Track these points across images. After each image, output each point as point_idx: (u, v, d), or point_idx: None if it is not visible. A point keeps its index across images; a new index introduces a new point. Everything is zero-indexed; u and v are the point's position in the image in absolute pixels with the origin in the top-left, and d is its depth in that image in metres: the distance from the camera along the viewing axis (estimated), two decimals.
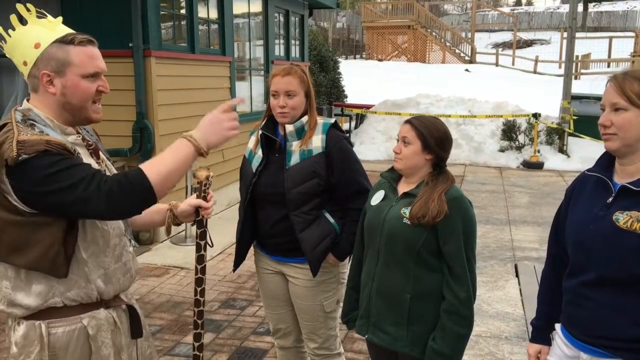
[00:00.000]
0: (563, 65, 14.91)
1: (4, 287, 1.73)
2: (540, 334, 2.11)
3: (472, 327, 2.18)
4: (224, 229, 6.70)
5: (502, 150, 11.90)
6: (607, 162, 1.86)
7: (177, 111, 6.37)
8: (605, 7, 34.49)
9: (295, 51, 10.42)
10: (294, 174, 2.58)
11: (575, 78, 17.63)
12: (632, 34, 24.54)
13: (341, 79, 15.39)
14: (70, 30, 1.77)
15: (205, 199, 2.06)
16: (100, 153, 1.96)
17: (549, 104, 13.53)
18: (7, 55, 1.77)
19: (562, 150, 11.65)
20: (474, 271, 2.17)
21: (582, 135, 11.21)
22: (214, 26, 7.46)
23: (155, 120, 5.96)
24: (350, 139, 2.77)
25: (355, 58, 28.27)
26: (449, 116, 11.77)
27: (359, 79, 18.00)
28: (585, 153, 11.39)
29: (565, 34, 15.31)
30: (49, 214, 1.66)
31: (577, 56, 18.32)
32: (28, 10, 1.73)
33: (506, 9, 39.89)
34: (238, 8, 8.05)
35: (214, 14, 7.39)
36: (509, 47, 28.08)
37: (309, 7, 10.91)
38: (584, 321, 1.83)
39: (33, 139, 1.61)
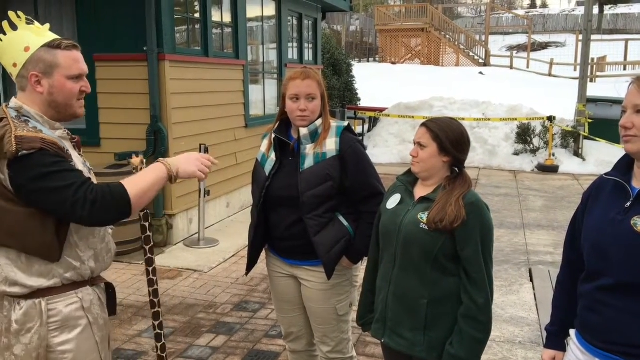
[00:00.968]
0: (578, 68, 14.78)
1: (7, 269, 1.87)
2: (555, 339, 2.08)
3: (490, 332, 2.16)
4: (236, 232, 6.74)
5: (516, 153, 11.82)
6: (625, 165, 1.83)
7: (191, 114, 6.40)
8: (621, 9, 34.16)
9: (308, 54, 10.43)
10: (308, 177, 2.57)
11: (591, 81, 17.48)
12: None
13: (354, 82, 15.37)
14: (57, 36, 1.94)
15: None
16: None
17: (564, 106, 13.43)
18: None
19: (577, 153, 11.55)
20: (491, 276, 2.15)
21: (597, 139, 11.10)
22: (228, 30, 7.49)
23: (169, 124, 5.99)
24: (363, 142, 2.77)
25: (368, 61, 28.25)
26: (463, 119, 11.70)
27: (372, 82, 17.97)
28: (600, 156, 11.29)
29: (580, 37, 15.20)
30: (37, 209, 1.81)
31: (592, 59, 18.16)
32: (18, 17, 1.91)
33: (521, 12, 39.66)
34: (251, 11, 8.08)
35: (227, 18, 7.42)
36: (524, 50, 27.92)
37: (322, 11, 10.92)
38: (600, 327, 1.80)
39: (30, 136, 1.78)
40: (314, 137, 2.61)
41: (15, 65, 1.89)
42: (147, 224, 2.30)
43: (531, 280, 5.33)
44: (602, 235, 1.78)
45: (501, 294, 4.86)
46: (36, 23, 1.94)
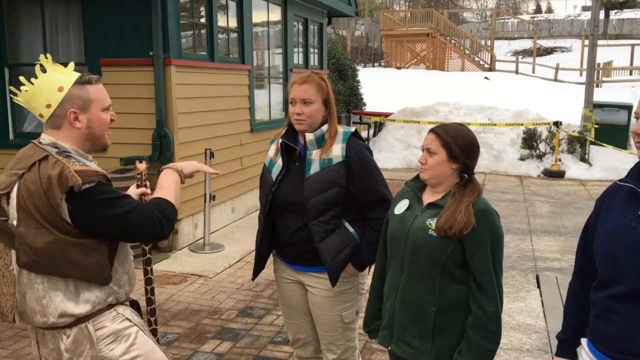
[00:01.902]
0: (584, 73, 14.71)
1: (56, 300, 1.94)
2: (566, 348, 2.05)
3: (499, 342, 2.13)
4: (242, 237, 6.72)
5: (522, 158, 11.77)
6: (639, 171, 1.80)
7: (196, 119, 6.40)
8: (627, 14, 34.10)
9: (314, 59, 10.43)
10: (313, 183, 2.56)
11: (597, 86, 17.42)
12: None
13: (360, 87, 15.37)
14: (79, 74, 2.06)
15: (145, 187, 2.38)
16: None
17: (570, 112, 13.37)
18: (23, 103, 2.01)
19: (583, 159, 11.49)
20: (501, 284, 2.12)
21: (604, 144, 11.04)
22: (234, 35, 7.50)
23: (175, 128, 5.98)
24: (369, 147, 2.75)
25: (373, 66, 28.24)
26: (469, 124, 11.65)
27: (378, 87, 17.97)
28: (607, 162, 11.23)
29: (586, 42, 15.15)
30: (101, 238, 1.94)
31: (598, 64, 18.11)
32: (46, 58, 2.02)
33: (526, 17, 39.60)
34: (257, 17, 8.09)
35: (233, 23, 7.43)
36: (529, 55, 27.84)
37: (328, 16, 10.93)
38: (612, 336, 1.77)
39: (85, 169, 1.90)
40: (320, 142, 2.60)
41: (49, 106, 1.97)
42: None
43: (538, 286, 5.29)
44: (615, 242, 1.75)
45: (508, 301, 4.82)
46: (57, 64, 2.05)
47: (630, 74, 23.40)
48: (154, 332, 2.44)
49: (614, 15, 33.24)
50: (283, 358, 3.89)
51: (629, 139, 11.77)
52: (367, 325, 2.44)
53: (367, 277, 2.79)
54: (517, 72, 24.53)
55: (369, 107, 15.44)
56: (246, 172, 7.52)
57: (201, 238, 6.36)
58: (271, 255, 2.86)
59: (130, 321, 2.08)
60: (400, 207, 2.27)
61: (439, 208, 2.14)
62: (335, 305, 2.69)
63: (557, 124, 11.28)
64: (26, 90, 1.98)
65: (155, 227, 1.97)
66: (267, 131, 7.94)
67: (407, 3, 43.66)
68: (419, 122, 12.32)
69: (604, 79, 22.08)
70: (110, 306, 2.05)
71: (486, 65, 25.87)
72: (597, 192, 9.48)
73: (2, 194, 1.93)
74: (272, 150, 2.76)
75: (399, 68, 25.58)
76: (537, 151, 11.72)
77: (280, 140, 2.69)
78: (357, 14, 13.44)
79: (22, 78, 2.11)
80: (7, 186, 1.92)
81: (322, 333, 2.77)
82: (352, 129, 2.69)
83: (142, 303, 2.28)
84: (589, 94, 11.64)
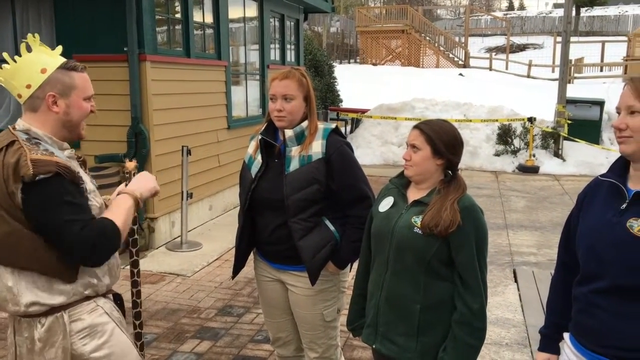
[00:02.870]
0: (556, 69, 14.94)
1: (28, 289, 1.90)
2: (549, 342, 2.06)
3: (484, 338, 2.13)
4: (220, 235, 6.66)
5: (497, 154, 11.90)
6: (621, 167, 1.81)
7: (172, 116, 6.31)
8: (597, 11, 34.71)
9: (290, 55, 10.38)
10: (293, 180, 2.53)
11: (569, 82, 17.67)
12: (625, 38, 24.69)
13: (336, 84, 15.36)
14: (65, 59, 2.02)
15: None
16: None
17: (543, 108, 13.55)
18: (2, 82, 1.96)
19: (557, 154, 11.66)
20: (485, 281, 2.12)
21: (577, 139, 11.22)
22: (210, 30, 7.41)
23: (151, 125, 5.89)
24: (350, 144, 2.73)
25: (349, 62, 28.26)
26: (445, 120, 11.74)
27: (354, 83, 17.97)
28: (580, 157, 11.42)
29: (558, 38, 15.36)
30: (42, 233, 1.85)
31: (570, 60, 18.38)
32: (34, 37, 1.97)
33: (499, 14, 40.06)
34: (233, 12, 8.00)
35: (209, 19, 7.34)
36: (502, 52, 28.18)
37: (304, 12, 10.88)
38: (594, 330, 1.78)
39: (44, 159, 1.82)
40: (300, 139, 2.57)
41: (29, 86, 1.92)
42: (134, 227, 2.33)
43: (515, 281, 5.34)
44: (597, 237, 1.76)
45: None
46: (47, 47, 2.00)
47: (601, 70, 23.83)
48: (138, 336, 2.41)
49: (585, 12, 33.80)
50: (263, 357, 3.86)
51: (601, 134, 11.98)
52: (350, 323, 2.43)
53: (349, 275, 2.78)
54: (490, 68, 24.81)
55: (345, 104, 15.44)
56: (223, 170, 7.46)
57: (178, 236, 6.29)
58: (252, 254, 2.83)
59: (109, 316, 2.04)
60: (385, 204, 2.25)
61: (424, 205, 2.13)
62: (316, 304, 2.67)
63: (531, 119, 11.42)
64: (8, 68, 1.93)
65: (88, 252, 1.84)
66: (244, 128, 7.87)
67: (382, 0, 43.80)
68: (395, 118, 12.37)
69: (576, 75, 22.44)
70: (89, 298, 2.00)
71: (460, 62, 26.08)
72: (571, 187, 9.66)
73: None
74: (252, 146, 2.72)
75: (374, 64, 25.63)
76: (512, 147, 11.86)
77: (259, 137, 2.65)
78: (333, 10, 13.43)
79: (5, 54, 2.05)
80: None
81: (304, 332, 2.74)
82: (333, 125, 2.67)
83: (128, 305, 2.25)
84: (562, 90, 11.81)
